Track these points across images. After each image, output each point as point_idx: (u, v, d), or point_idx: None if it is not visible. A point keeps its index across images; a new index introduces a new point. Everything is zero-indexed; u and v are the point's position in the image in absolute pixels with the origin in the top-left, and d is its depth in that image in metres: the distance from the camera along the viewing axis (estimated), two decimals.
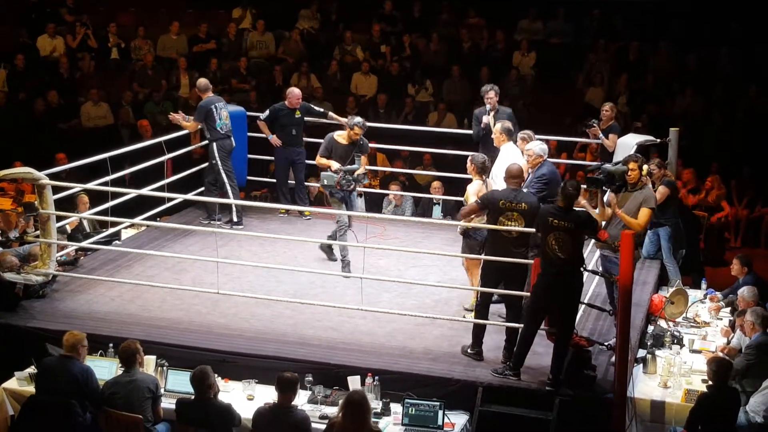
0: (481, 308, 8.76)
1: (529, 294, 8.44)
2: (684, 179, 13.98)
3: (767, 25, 16.19)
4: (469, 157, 9.39)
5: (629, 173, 8.87)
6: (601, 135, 11.56)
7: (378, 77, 16.91)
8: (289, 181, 12.30)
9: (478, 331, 8.70)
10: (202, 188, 11.97)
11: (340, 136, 10.42)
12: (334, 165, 10.22)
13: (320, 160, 10.43)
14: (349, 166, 10.22)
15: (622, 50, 16.85)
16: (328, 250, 10.70)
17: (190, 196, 11.38)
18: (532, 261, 8.46)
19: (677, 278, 10.74)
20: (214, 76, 16.65)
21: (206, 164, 11.96)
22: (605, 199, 8.90)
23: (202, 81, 11.97)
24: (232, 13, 17.96)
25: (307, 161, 12.36)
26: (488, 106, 11.12)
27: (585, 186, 8.86)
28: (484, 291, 8.70)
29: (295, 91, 12.22)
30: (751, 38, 16.30)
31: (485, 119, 11.10)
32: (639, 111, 15.64)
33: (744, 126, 15.30)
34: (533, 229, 8.37)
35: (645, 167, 8.96)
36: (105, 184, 10.58)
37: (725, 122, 15.38)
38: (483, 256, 8.77)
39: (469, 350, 8.68)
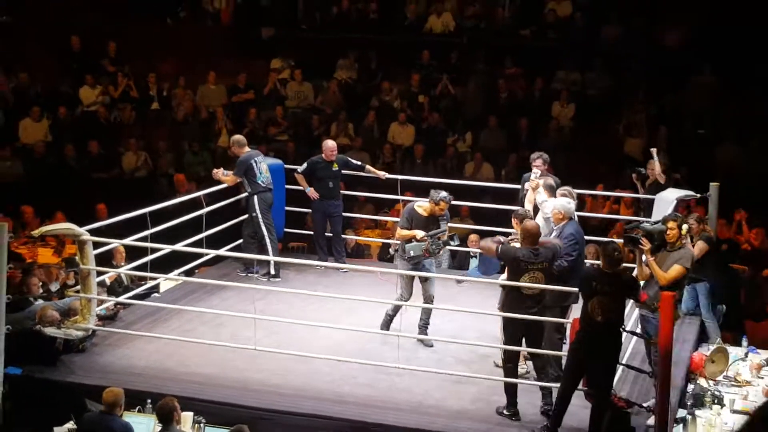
0: (510, 366, 8.72)
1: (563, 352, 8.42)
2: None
3: None
4: (513, 213, 9.39)
5: (668, 232, 8.82)
6: (639, 184, 11.49)
7: (415, 127, 16.97)
8: (327, 234, 12.34)
9: (512, 390, 8.65)
10: (241, 240, 12.02)
11: (421, 208, 10.09)
12: (419, 233, 9.92)
13: (402, 232, 10.03)
14: (435, 231, 9.95)
15: (659, 100, 16.78)
16: (387, 323, 10.23)
17: (225, 252, 11.43)
18: (564, 319, 8.46)
19: (717, 335, 10.63)
20: (252, 125, 16.80)
21: (245, 216, 12.02)
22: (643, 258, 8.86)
23: (238, 137, 12.09)
24: (270, 63, 18.11)
25: (343, 213, 12.41)
26: (534, 174, 10.72)
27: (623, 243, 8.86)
28: (510, 349, 8.68)
29: (329, 144, 12.29)
30: None
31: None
32: (677, 161, 15.56)
33: None
34: (557, 287, 8.43)
35: (684, 227, 8.89)
36: (144, 237, 10.67)
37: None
38: (505, 313, 8.76)
39: (504, 411, 8.62)
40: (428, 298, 10.05)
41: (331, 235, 12.34)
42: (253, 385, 9.05)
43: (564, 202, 9.28)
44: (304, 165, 12.20)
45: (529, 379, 8.94)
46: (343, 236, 12.73)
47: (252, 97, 17.67)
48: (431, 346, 9.96)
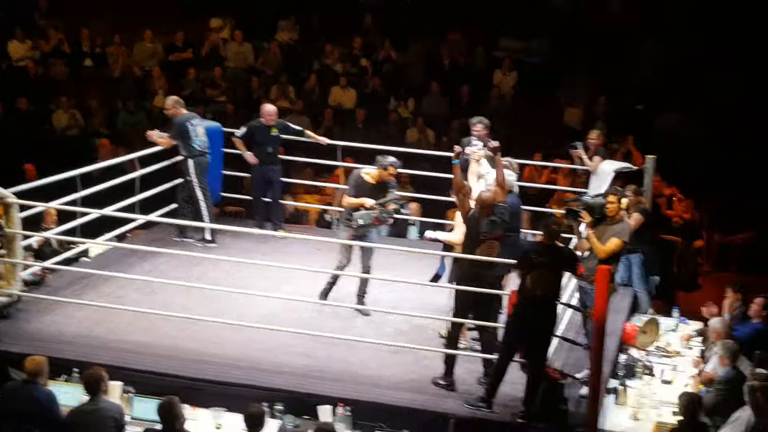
0: (453, 338, 8.68)
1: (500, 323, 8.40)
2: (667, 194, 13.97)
3: None
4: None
5: (608, 206, 8.81)
6: (584, 157, 11.46)
7: (357, 91, 16.81)
8: (266, 199, 12.17)
9: (451, 361, 8.61)
10: (175, 205, 11.81)
11: (368, 175, 9.89)
12: (368, 201, 9.75)
13: (350, 200, 9.83)
14: (385, 199, 9.77)
15: (598, 71, 16.79)
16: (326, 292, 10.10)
17: (159, 218, 11.23)
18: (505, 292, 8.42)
19: (649, 306, 10.73)
20: (190, 86, 16.51)
21: (179, 180, 11.81)
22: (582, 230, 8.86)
23: (175, 98, 11.81)
24: (210, 23, 17.78)
25: (282, 179, 12.26)
26: (473, 138, 10.65)
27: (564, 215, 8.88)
28: (456, 321, 8.62)
29: (268, 108, 12.09)
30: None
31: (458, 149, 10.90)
32: (618, 132, 15.62)
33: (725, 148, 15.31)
34: (512, 261, 8.37)
35: (624, 201, 8.88)
36: (74, 201, 10.41)
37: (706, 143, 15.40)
38: (456, 286, 8.71)
39: (440, 381, 8.58)
40: (366, 269, 9.92)
41: (269, 200, 12.17)
42: (185, 354, 8.89)
43: (508, 176, 9.24)
44: (243, 129, 12.00)
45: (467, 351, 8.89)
46: (282, 202, 12.56)
47: (190, 57, 17.34)
48: (368, 315, 9.87)
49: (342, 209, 10.16)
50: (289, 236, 11.31)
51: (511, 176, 9.39)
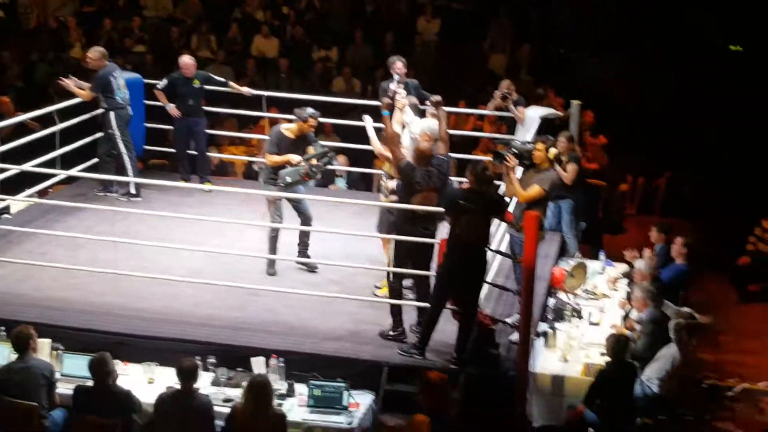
0: (397, 288, 8.69)
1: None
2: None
3: None
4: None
5: (535, 153, 8.85)
6: (512, 107, 11.50)
7: (279, 40, 16.62)
8: (190, 151, 12.02)
9: (396, 312, 8.63)
10: (97, 159, 11.61)
11: (288, 130, 9.63)
12: (294, 158, 9.51)
13: (273, 158, 9.56)
14: (312, 153, 9.56)
15: (522, 17, 16.83)
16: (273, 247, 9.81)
17: (81, 173, 11.04)
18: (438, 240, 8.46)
19: (576, 250, 10.88)
20: (108, 36, 16.15)
21: (100, 134, 11.60)
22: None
23: (99, 48, 11.55)
24: None
25: (207, 131, 12.11)
26: (396, 77, 10.65)
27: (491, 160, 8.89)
28: (395, 271, 8.63)
29: (185, 60, 11.85)
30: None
31: (392, 86, 10.87)
32: (541, 78, 15.74)
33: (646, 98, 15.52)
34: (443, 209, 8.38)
35: (552, 150, 8.90)
36: None
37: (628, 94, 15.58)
38: (395, 236, 8.68)
39: (390, 332, 8.60)
40: (306, 219, 9.76)
41: (194, 153, 12.01)
42: (114, 310, 8.81)
43: (431, 123, 9.17)
44: (164, 81, 11.79)
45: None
46: (208, 154, 12.41)
47: (106, 7, 16.93)
48: (316, 269, 9.77)
49: (265, 169, 9.91)
50: (216, 189, 11.18)
51: (437, 125, 9.37)
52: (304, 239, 9.86)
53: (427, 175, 8.51)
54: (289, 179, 9.45)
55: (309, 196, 9.64)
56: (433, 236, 8.54)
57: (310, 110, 9.68)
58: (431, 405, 7.13)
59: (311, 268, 9.82)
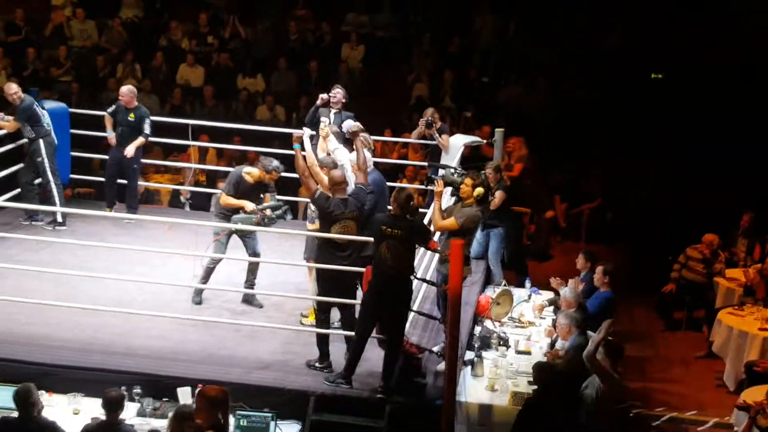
0: (322, 319, 8.72)
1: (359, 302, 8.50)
2: (509, 149, 14.25)
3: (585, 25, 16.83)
4: (320, 162, 9.21)
5: (462, 187, 8.98)
6: (436, 135, 11.64)
7: (205, 68, 16.63)
8: (119, 181, 11.93)
9: (323, 342, 8.66)
10: (19, 189, 11.52)
11: (249, 174, 9.63)
12: (249, 205, 9.49)
13: (229, 200, 9.55)
14: (267, 204, 9.59)
15: (446, 44, 17.07)
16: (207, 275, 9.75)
17: (5, 203, 10.96)
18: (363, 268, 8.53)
19: (502, 278, 11.00)
20: (33, 65, 16.03)
21: (21, 164, 11.52)
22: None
23: (12, 84, 11.49)
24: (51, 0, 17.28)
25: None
26: (323, 120, 10.32)
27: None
28: (322, 300, 8.69)
29: (122, 89, 11.86)
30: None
31: (324, 96, 10.91)
32: (464, 104, 15.97)
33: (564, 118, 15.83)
34: (368, 239, 8.45)
35: (478, 189, 8.92)
36: None
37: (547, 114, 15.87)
38: (315, 264, 8.77)
39: (317, 364, 8.62)
40: (253, 255, 9.74)
41: (124, 182, 11.93)
42: (38, 340, 8.76)
43: (367, 154, 9.36)
44: (113, 106, 11.78)
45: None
46: (140, 183, 12.36)
47: (32, 36, 16.79)
48: (261, 306, 9.75)
49: (218, 204, 9.87)
50: (140, 217, 11.19)
51: (367, 153, 9.50)
52: (250, 276, 9.79)
53: (342, 204, 8.58)
54: (240, 225, 9.45)
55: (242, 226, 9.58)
56: (354, 265, 8.59)
57: (276, 163, 9.67)
58: (209, 423, 6.79)
59: (256, 305, 9.76)
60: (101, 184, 12.25)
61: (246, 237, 9.69)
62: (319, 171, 9.17)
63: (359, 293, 8.74)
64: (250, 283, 9.78)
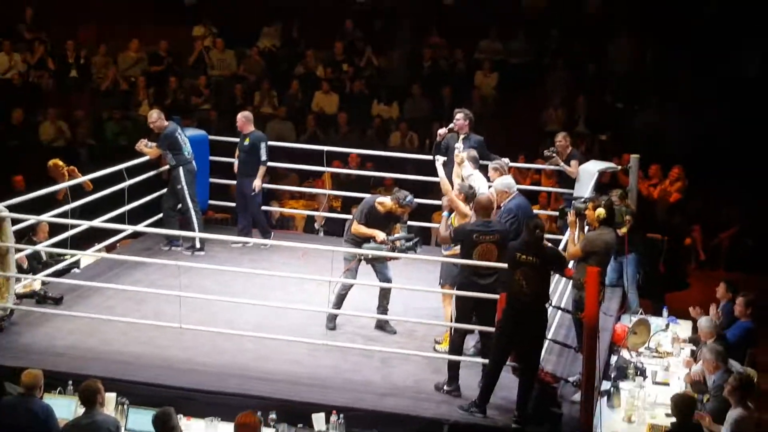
0: (457, 343, 8.70)
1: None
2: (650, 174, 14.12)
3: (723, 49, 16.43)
4: (457, 188, 9.31)
5: (587, 213, 8.88)
6: (562, 164, 11.57)
7: (339, 95, 16.86)
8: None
9: (454, 367, 8.64)
10: (161, 215, 11.85)
11: (381, 204, 9.64)
12: (380, 235, 9.54)
13: (360, 229, 9.61)
14: (399, 235, 9.62)
15: (580, 70, 16.89)
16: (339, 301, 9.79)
17: (149, 229, 11.33)
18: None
19: (639, 307, 10.80)
20: (174, 95, 16.53)
21: (164, 190, 11.85)
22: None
23: (154, 112, 11.86)
24: (193, 30, 17.78)
25: (267, 185, 12.27)
26: (458, 147, 10.48)
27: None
28: (456, 326, 8.67)
29: (237, 115, 12.11)
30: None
31: (442, 131, 11.00)
32: (598, 129, 15.76)
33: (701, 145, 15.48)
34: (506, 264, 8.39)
35: (600, 210, 8.83)
36: (64, 212, 10.44)
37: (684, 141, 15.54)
38: (456, 291, 8.75)
39: (445, 387, 8.60)
40: (384, 281, 9.74)
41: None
42: (177, 364, 8.94)
43: (504, 180, 9.41)
44: None
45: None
46: (268, 208, 12.55)
47: (173, 65, 17.35)
48: (394, 333, 9.74)
49: (349, 230, 9.90)
50: (275, 242, 11.38)
51: (508, 179, 9.47)
52: (383, 302, 9.83)
53: (485, 226, 8.56)
54: (370, 256, 9.50)
55: (375, 252, 9.61)
56: (494, 291, 8.53)
57: (410, 198, 9.65)
58: None
59: (389, 331, 9.76)
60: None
61: (377, 264, 9.74)
62: (454, 198, 9.19)
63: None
64: (383, 308, 9.81)
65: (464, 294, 8.59)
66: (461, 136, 10.88)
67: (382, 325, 9.80)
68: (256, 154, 11.85)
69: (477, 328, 8.65)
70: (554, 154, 11.57)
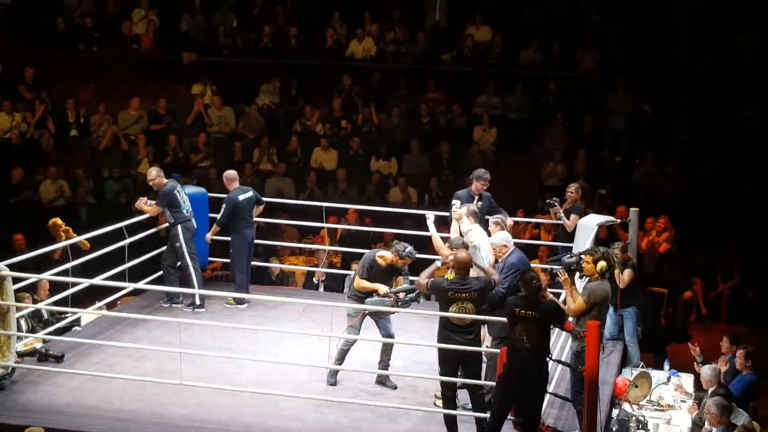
0: (448, 397, 8.70)
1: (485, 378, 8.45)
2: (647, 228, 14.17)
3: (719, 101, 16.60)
4: (449, 241, 9.37)
5: (584, 265, 8.90)
6: (562, 215, 11.64)
7: (338, 152, 16.98)
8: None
9: (450, 422, 8.62)
10: (161, 272, 11.89)
11: (381, 258, 9.70)
12: (383, 289, 9.57)
13: (363, 283, 9.65)
14: (401, 287, 9.65)
15: (578, 124, 17.04)
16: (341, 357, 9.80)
17: (149, 286, 11.38)
18: (489, 348, 8.50)
19: (639, 360, 10.79)
20: (174, 152, 16.64)
21: (164, 247, 11.90)
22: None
23: (153, 169, 11.92)
24: (191, 89, 17.95)
25: (267, 242, 12.30)
26: (455, 203, 10.47)
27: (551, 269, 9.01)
28: (446, 380, 8.66)
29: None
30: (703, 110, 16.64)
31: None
32: (598, 183, 15.86)
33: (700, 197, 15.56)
34: (488, 317, 8.55)
35: (601, 263, 8.83)
36: (65, 270, 10.48)
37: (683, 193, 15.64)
38: (438, 344, 8.76)
39: None
40: (387, 336, 9.74)
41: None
42: (178, 421, 8.92)
43: (502, 234, 9.45)
44: None
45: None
46: (268, 264, 12.58)
47: (173, 124, 17.48)
48: (395, 388, 9.72)
49: (352, 286, 9.97)
50: (272, 299, 11.41)
51: (506, 234, 9.53)
52: (384, 357, 9.82)
53: (460, 284, 8.57)
54: (373, 307, 9.51)
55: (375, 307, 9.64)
56: (474, 344, 8.56)
57: (410, 249, 9.67)
58: None
59: (389, 386, 9.73)
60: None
61: (380, 319, 9.76)
62: (445, 253, 9.28)
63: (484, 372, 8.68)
64: (384, 364, 9.81)
65: (444, 347, 8.60)
66: (475, 196, 10.98)
67: (382, 381, 9.79)
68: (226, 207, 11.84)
69: (452, 380, 8.62)
70: (556, 203, 11.62)
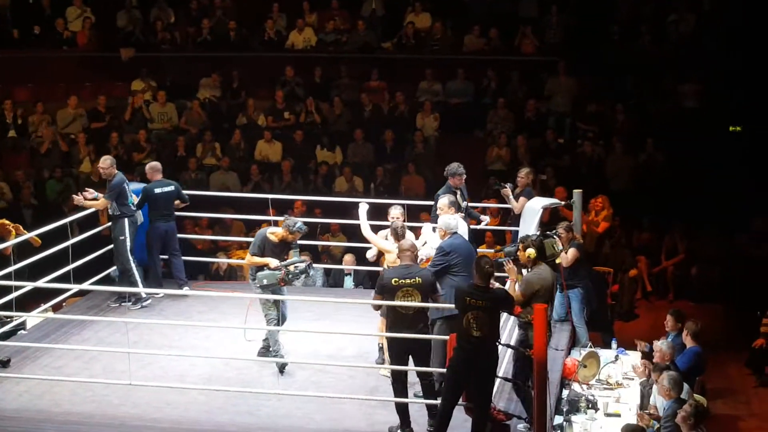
0: (397, 385, 8.73)
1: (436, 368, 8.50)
2: (597, 207, 14.31)
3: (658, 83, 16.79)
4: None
5: (519, 255, 8.97)
6: (511, 197, 11.67)
7: (282, 143, 16.92)
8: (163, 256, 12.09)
9: (403, 409, 8.65)
10: (111, 269, 11.78)
11: (273, 234, 9.89)
12: (273, 262, 9.77)
13: (254, 259, 9.86)
14: (290, 260, 9.83)
15: (520, 108, 17.12)
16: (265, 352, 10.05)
17: (91, 286, 11.31)
18: (437, 336, 8.57)
19: (588, 340, 10.88)
20: (116, 150, 16.48)
21: (110, 246, 11.79)
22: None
23: (108, 158, 11.77)
24: (131, 85, 17.78)
25: (214, 237, 12.25)
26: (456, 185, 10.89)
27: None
28: (396, 369, 8.70)
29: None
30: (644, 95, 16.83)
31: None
32: (542, 166, 15.95)
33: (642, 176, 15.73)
34: (431, 304, 8.62)
35: (529, 251, 8.85)
36: (8, 274, 10.35)
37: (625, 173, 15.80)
38: (387, 333, 8.82)
39: (398, 431, 8.61)
40: (282, 320, 9.89)
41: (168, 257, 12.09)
42: (129, 421, 8.88)
43: (446, 218, 9.51)
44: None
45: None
46: (215, 260, 12.52)
47: (114, 122, 17.30)
48: (282, 373, 9.74)
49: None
50: (199, 293, 11.44)
51: (450, 219, 9.53)
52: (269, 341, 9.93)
53: (405, 271, 8.63)
54: (265, 281, 9.72)
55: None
56: (423, 332, 8.62)
57: (300, 224, 9.87)
58: None
59: (280, 369, 9.75)
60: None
61: (275, 293, 9.85)
62: (377, 241, 9.61)
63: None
64: (266, 343, 9.92)
65: (391, 337, 8.68)
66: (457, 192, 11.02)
67: (280, 365, 9.75)
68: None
69: (415, 369, 8.68)
70: (507, 186, 11.65)
